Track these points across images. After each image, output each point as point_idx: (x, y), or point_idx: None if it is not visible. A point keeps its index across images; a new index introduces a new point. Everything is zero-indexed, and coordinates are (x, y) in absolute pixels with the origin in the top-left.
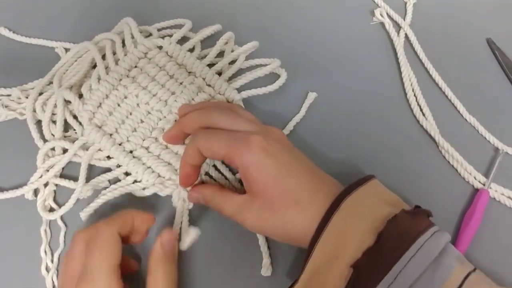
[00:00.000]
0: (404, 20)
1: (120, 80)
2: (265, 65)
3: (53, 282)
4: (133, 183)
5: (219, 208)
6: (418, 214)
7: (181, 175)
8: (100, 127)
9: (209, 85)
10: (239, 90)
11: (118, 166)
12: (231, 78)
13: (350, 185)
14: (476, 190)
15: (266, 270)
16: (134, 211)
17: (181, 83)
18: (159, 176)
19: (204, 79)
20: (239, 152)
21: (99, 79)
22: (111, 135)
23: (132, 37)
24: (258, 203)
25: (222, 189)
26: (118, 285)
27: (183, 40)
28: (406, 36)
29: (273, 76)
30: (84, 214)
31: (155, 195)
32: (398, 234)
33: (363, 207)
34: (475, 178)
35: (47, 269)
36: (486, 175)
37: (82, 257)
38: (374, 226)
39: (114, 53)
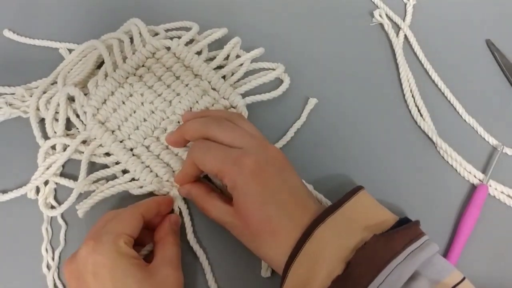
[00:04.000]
0: (403, 21)
1: (127, 78)
2: (268, 68)
3: (53, 280)
4: (131, 181)
5: (204, 211)
6: (395, 234)
7: (179, 179)
8: (103, 123)
9: (214, 89)
10: (243, 95)
11: (117, 163)
12: (235, 82)
13: (327, 208)
14: (475, 188)
15: (265, 271)
16: (159, 197)
17: (186, 85)
18: (156, 176)
19: (209, 82)
20: (229, 173)
21: (106, 75)
22: (113, 132)
23: (140, 36)
24: (239, 220)
25: (209, 193)
26: (123, 248)
27: (188, 42)
28: (406, 37)
29: (274, 80)
30: (81, 211)
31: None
32: (368, 261)
33: (334, 235)
34: (475, 176)
35: (48, 267)
36: (485, 173)
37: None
38: (344, 254)
39: (121, 52)
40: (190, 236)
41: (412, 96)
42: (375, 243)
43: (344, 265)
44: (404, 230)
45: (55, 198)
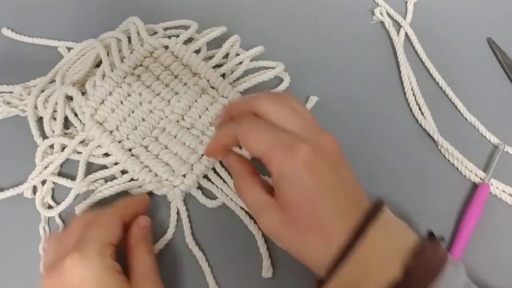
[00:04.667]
0: (404, 19)
1: (125, 77)
2: (268, 67)
3: None
4: (130, 181)
5: (239, 193)
6: (435, 242)
7: (209, 149)
8: (101, 124)
9: (213, 87)
10: (243, 93)
11: (116, 164)
12: (234, 81)
13: (377, 207)
14: (477, 186)
15: (266, 271)
16: (135, 198)
17: (185, 84)
18: (156, 176)
19: (208, 81)
20: (279, 158)
21: (103, 75)
22: (111, 132)
23: (138, 35)
24: (281, 215)
25: (252, 176)
26: (109, 261)
27: (187, 41)
28: (407, 35)
29: (275, 79)
30: (79, 211)
31: (150, 194)
32: (424, 267)
33: (389, 235)
34: (476, 175)
35: None
36: (486, 171)
37: (76, 237)
38: (400, 256)
39: (120, 51)
40: (189, 239)
41: (413, 94)
42: (427, 247)
43: (399, 268)
44: (438, 241)
45: (53, 197)
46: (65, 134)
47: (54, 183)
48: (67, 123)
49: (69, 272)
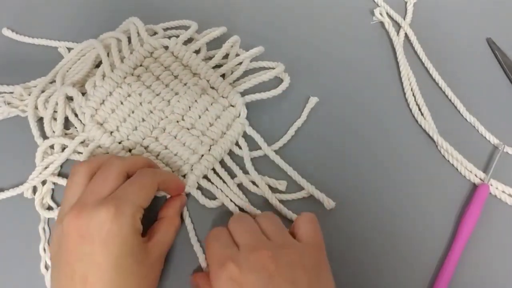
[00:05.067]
0: (404, 19)
1: (125, 78)
2: (268, 68)
3: None
4: None
5: None
6: None
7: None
8: (101, 124)
9: (212, 88)
10: (243, 94)
11: None
12: (234, 81)
13: None
14: (476, 187)
15: None
16: (176, 178)
17: (185, 84)
18: None
19: (208, 81)
20: (212, 273)
21: (103, 76)
22: (111, 132)
23: (138, 35)
24: None
25: None
26: (138, 225)
27: (187, 41)
28: (406, 36)
29: (275, 79)
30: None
31: None
32: None
33: None
34: (476, 175)
35: (46, 267)
36: (486, 172)
37: (114, 183)
38: None
39: (120, 51)
40: (192, 234)
41: (413, 94)
42: None
43: None
44: None
45: (53, 198)
46: (66, 134)
47: (54, 183)
48: (67, 124)
49: (100, 223)
